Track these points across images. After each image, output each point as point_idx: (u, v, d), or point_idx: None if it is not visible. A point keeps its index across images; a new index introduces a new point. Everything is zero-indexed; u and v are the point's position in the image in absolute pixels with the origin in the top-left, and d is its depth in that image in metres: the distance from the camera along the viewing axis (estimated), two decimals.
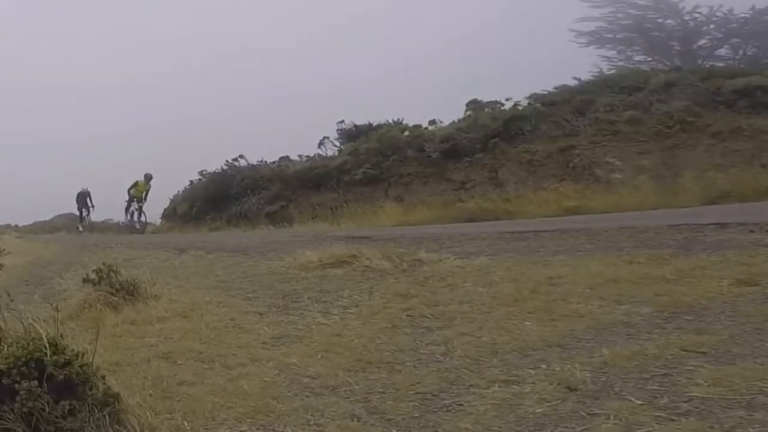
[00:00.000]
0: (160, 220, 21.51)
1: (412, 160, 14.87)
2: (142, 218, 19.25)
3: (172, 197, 21.36)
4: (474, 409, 2.50)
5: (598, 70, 23.09)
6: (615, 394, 2.44)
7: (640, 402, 2.33)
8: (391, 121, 16.93)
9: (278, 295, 5.07)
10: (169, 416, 2.66)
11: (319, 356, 3.42)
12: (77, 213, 22.90)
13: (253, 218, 16.16)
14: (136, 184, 18.87)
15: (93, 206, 22.25)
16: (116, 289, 5.16)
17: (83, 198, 21.91)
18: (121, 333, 4.32)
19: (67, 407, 2.23)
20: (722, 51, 23.43)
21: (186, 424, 2.60)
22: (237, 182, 17.57)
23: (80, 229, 22.08)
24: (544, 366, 2.85)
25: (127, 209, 19.26)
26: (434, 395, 2.72)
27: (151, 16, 50.28)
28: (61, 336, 2.45)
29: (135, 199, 18.93)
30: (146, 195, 18.99)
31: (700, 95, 13.13)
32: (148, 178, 19.04)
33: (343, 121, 18.01)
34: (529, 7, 34.81)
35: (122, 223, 19.64)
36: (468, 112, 15.86)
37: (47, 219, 26.93)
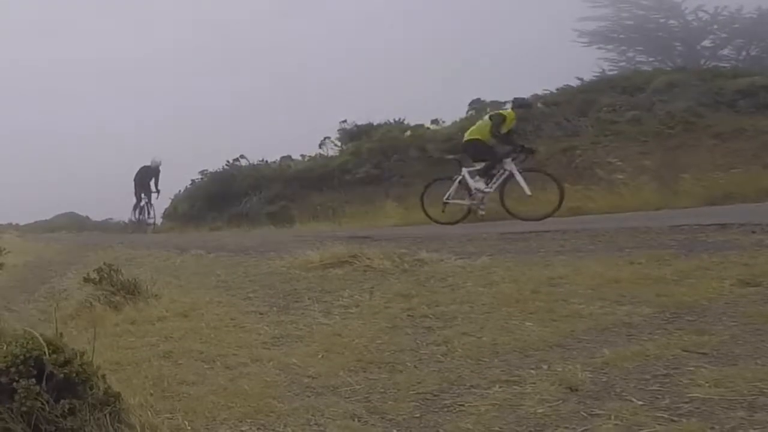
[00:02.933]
0: (160, 220, 21.35)
1: (413, 160, 14.88)
2: (480, 188, 9.56)
3: (173, 196, 21.35)
4: (475, 410, 2.50)
5: (601, 70, 23.16)
6: (616, 395, 2.44)
7: (641, 402, 2.33)
8: (392, 120, 16.95)
9: (279, 294, 5.07)
10: (169, 416, 2.66)
11: (319, 356, 3.41)
12: (134, 199, 16.11)
13: (254, 218, 16.17)
14: (501, 120, 9.51)
15: (159, 190, 16.12)
16: (117, 289, 5.17)
17: (148, 176, 15.79)
18: (121, 332, 4.33)
19: (67, 406, 2.22)
20: (725, 51, 23.44)
21: (186, 423, 2.59)
22: (238, 182, 17.59)
23: (148, 224, 15.61)
24: (545, 366, 2.85)
25: (488, 171, 9.52)
26: (435, 395, 2.71)
27: (153, 15, 50.25)
28: (61, 335, 2.45)
29: (505, 144, 9.50)
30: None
31: (702, 96, 13.13)
32: (523, 105, 10.17)
33: (344, 121, 18.02)
34: (531, 7, 34.81)
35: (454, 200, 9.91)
36: (470, 112, 15.90)
37: (48, 218, 26.93)
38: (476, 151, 9.68)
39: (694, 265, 4.21)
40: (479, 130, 9.73)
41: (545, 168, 9.95)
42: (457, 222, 9.59)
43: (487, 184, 9.43)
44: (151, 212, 16.15)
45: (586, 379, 2.61)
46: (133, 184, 16.14)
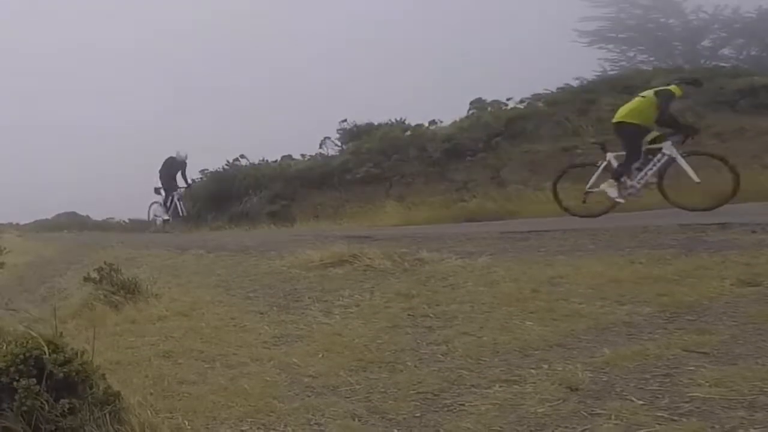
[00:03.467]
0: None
1: (413, 160, 14.86)
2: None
3: None
4: (475, 409, 2.50)
5: (601, 70, 23.17)
6: (616, 394, 2.44)
7: (641, 402, 2.33)
8: (392, 120, 16.93)
9: (279, 294, 5.07)
10: (169, 415, 2.66)
11: (320, 356, 3.42)
12: (161, 195, 15.24)
13: (254, 217, 16.14)
14: (671, 96, 7.93)
15: (190, 184, 15.46)
16: (117, 288, 5.18)
17: (174, 169, 14.78)
18: (121, 332, 4.33)
19: (67, 406, 2.23)
20: (726, 51, 23.44)
21: (186, 423, 2.60)
22: (238, 181, 17.56)
23: (167, 221, 14.78)
24: (545, 366, 2.85)
25: (634, 165, 8.04)
26: (435, 395, 2.71)
27: (153, 15, 50.26)
28: (61, 334, 2.45)
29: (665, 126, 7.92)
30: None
31: (702, 95, 13.11)
32: (693, 81, 8.68)
33: (345, 121, 18.00)
34: (532, 7, 34.80)
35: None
36: (471, 111, 15.88)
37: (48, 218, 26.89)
38: (627, 135, 8.08)
39: (694, 264, 4.21)
40: (638, 109, 8.06)
41: (711, 150, 8.51)
42: (599, 215, 8.02)
43: (639, 177, 7.98)
44: (180, 207, 14.94)
45: (586, 379, 2.61)
46: (158, 177, 15.17)
